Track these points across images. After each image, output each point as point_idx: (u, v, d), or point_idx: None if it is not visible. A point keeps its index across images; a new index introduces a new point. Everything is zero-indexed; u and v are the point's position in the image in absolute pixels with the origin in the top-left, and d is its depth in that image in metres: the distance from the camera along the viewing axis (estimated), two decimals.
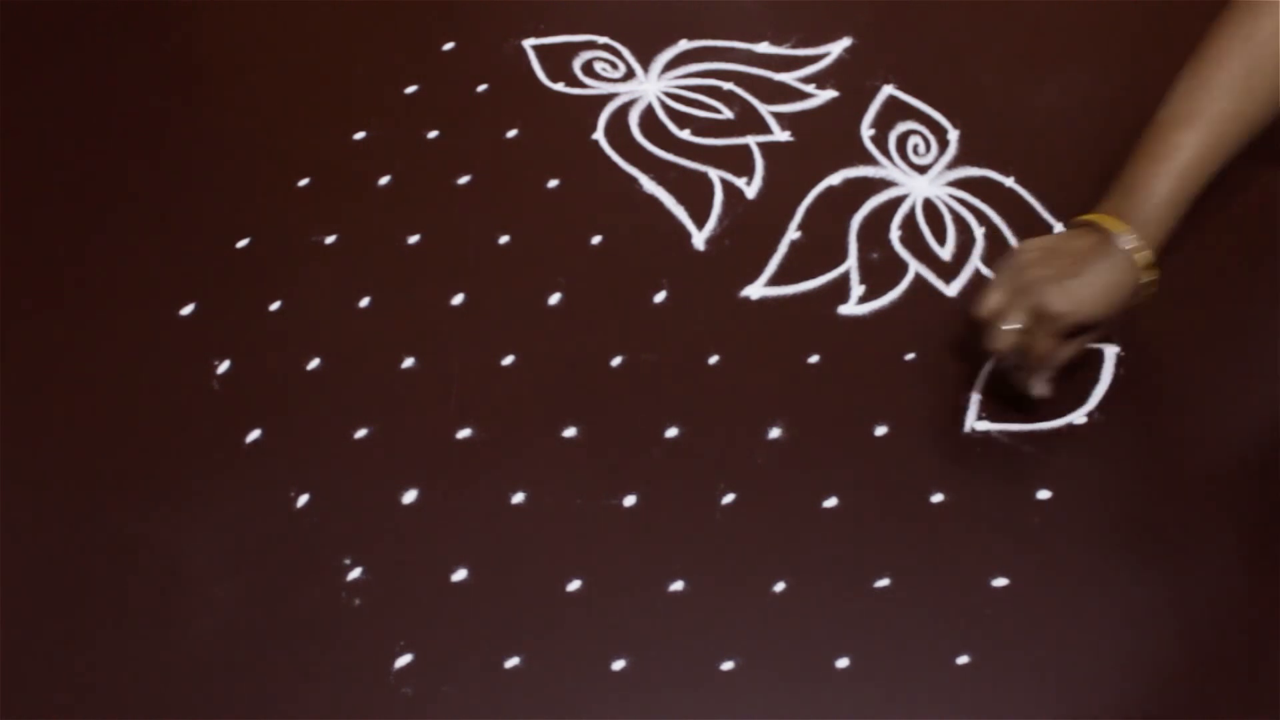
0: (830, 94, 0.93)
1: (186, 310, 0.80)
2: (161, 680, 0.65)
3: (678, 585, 0.69)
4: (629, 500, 0.72)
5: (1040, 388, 0.72)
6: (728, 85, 0.94)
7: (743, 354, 0.78)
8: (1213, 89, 0.71)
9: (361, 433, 0.75)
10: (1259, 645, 0.67)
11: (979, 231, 0.85)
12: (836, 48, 0.96)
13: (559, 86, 0.94)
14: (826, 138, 0.90)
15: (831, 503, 0.72)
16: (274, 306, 0.81)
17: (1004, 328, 0.70)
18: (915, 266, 0.83)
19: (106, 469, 0.73)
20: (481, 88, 0.94)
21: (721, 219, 0.86)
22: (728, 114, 0.92)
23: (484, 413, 0.75)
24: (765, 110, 0.92)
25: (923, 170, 0.88)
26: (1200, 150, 0.70)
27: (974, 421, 0.75)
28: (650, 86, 0.94)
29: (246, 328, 0.79)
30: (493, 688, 0.65)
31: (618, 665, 0.66)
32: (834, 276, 0.83)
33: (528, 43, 0.96)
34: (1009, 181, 0.87)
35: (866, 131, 0.91)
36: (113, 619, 0.67)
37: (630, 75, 0.94)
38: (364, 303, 0.81)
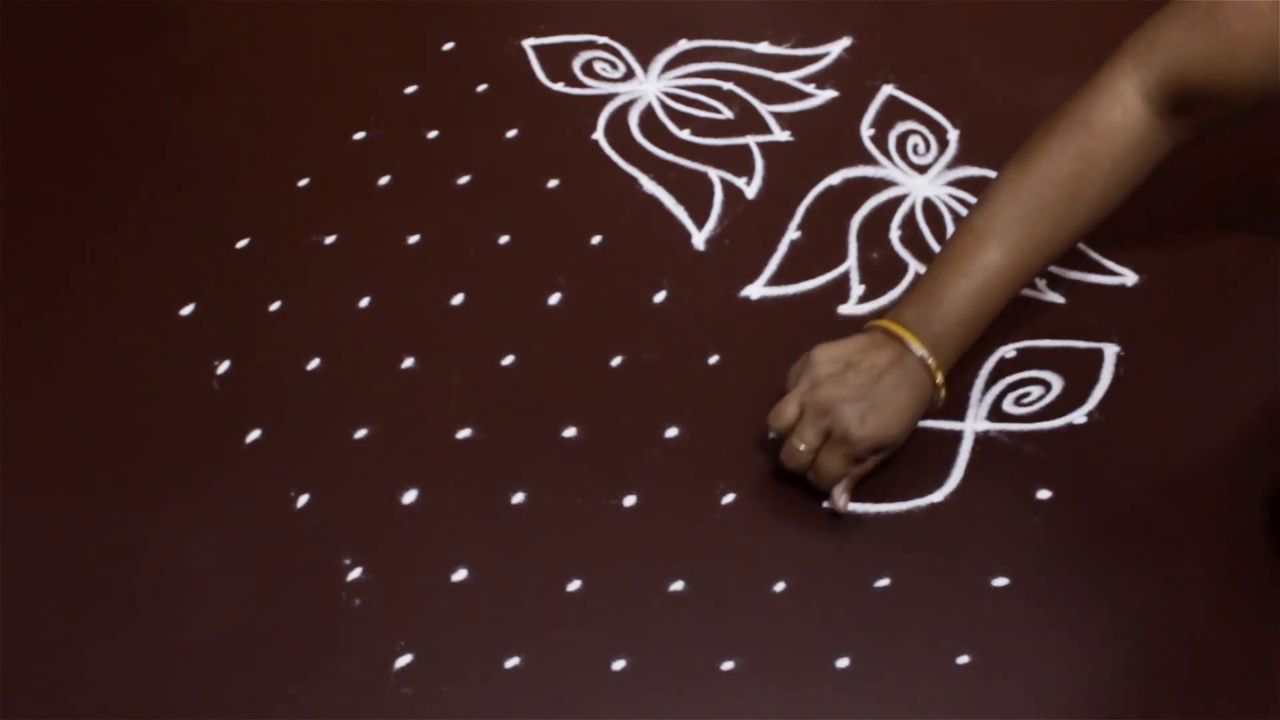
0: (830, 94, 0.93)
1: (186, 310, 0.80)
2: (161, 680, 0.65)
3: (678, 585, 0.69)
4: (629, 500, 0.72)
5: (838, 499, 0.69)
6: (728, 85, 0.94)
7: (743, 354, 0.78)
8: (1033, 205, 0.69)
9: (361, 433, 0.75)
10: (1258, 645, 0.67)
11: None
12: (836, 48, 0.96)
13: (559, 86, 0.94)
14: (826, 138, 0.90)
15: (831, 503, 0.72)
16: (274, 306, 0.81)
17: (798, 447, 0.68)
18: (915, 266, 0.83)
19: (107, 469, 0.73)
20: (481, 88, 0.94)
21: (721, 219, 0.86)
22: (728, 114, 0.92)
23: (484, 413, 0.75)
24: (765, 110, 0.92)
25: (922, 170, 0.88)
26: (1007, 271, 0.69)
27: (974, 421, 0.75)
28: (650, 86, 0.94)
29: (246, 328, 0.79)
30: (493, 688, 0.65)
31: (618, 665, 0.66)
32: (834, 276, 0.83)
33: (528, 43, 0.97)
34: None
35: (866, 131, 0.91)
36: (113, 619, 0.67)
37: (630, 75, 0.94)
38: (364, 303, 0.81)
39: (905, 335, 0.68)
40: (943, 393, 0.70)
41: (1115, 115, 0.69)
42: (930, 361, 0.68)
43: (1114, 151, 0.69)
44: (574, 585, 0.69)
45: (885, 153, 0.89)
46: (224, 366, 0.78)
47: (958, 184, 0.87)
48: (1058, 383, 0.77)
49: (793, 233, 0.85)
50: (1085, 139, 0.69)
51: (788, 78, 0.94)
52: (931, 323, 0.69)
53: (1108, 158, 0.69)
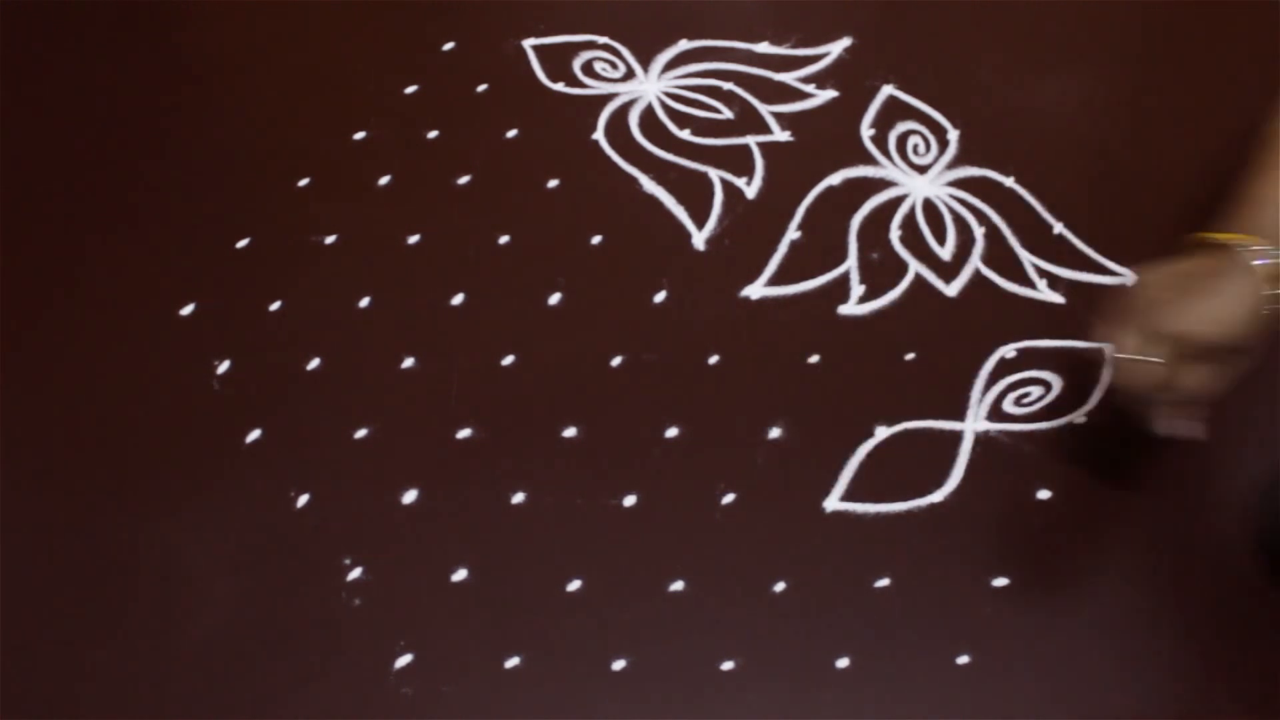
0: (830, 94, 0.93)
1: (186, 310, 0.80)
2: (161, 680, 0.65)
3: (678, 585, 0.69)
4: (629, 500, 0.72)
5: (1191, 428, 0.66)
6: (728, 85, 0.94)
7: (743, 354, 0.78)
8: None
9: (361, 433, 0.75)
10: (1259, 645, 0.67)
11: (979, 231, 0.85)
12: (836, 48, 0.96)
13: (559, 86, 0.94)
14: (826, 138, 0.90)
15: (831, 503, 0.72)
16: (274, 306, 0.81)
17: (1151, 362, 0.63)
18: (915, 266, 0.83)
19: (107, 468, 0.73)
20: (481, 88, 0.94)
21: (721, 219, 0.86)
22: (728, 114, 0.92)
23: (484, 413, 0.75)
24: (765, 110, 0.92)
25: (923, 170, 0.88)
26: None
27: (974, 421, 0.75)
28: (650, 86, 0.94)
29: (246, 328, 0.79)
30: (493, 688, 0.65)
31: (618, 665, 0.66)
32: (834, 276, 0.83)
33: (528, 43, 0.96)
34: (1009, 181, 0.87)
35: (866, 131, 0.91)
36: (113, 619, 0.67)
37: (630, 75, 0.94)
38: (364, 303, 0.81)
39: (1226, 238, 0.64)
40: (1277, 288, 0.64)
41: None
42: (1260, 251, 0.63)
43: None
44: (574, 585, 0.69)
45: (885, 153, 0.89)
46: (224, 366, 0.78)
47: (958, 184, 0.87)
48: (1058, 383, 0.77)
49: (793, 233, 0.85)
50: None
51: (788, 78, 0.94)
52: (1254, 221, 0.64)
53: None
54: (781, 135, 0.91)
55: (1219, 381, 0.65)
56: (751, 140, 0.90)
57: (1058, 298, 0.81)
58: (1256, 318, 0.63)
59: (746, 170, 0.88)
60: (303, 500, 0.72)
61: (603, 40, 0.97)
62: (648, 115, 0.92)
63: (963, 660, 0.66)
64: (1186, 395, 0.64)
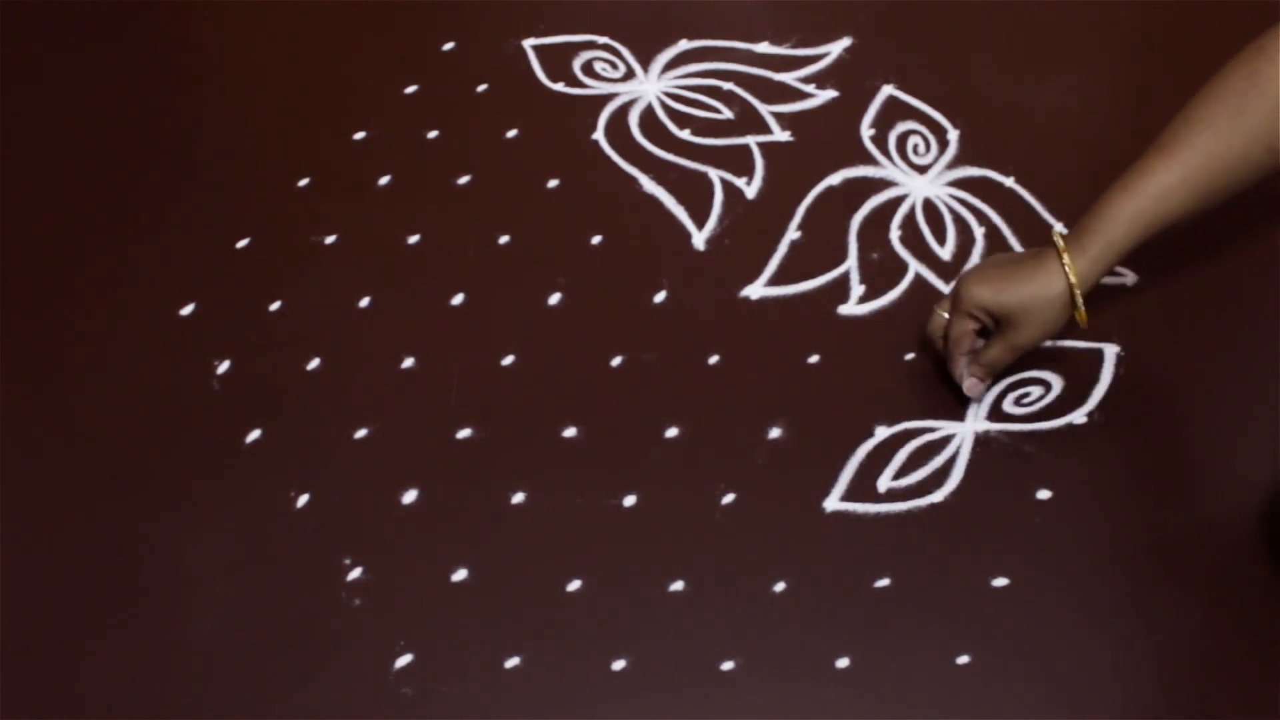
0: (830, 94, 0.93)
1: (186, 310, 0.80)
2: (161, 680, 0.65)
3: (678, 585, 0.69)
4: (629, 500, 0.72)
5: (969, 386, 0.74)
6: (728, 85, 0.94)
7: (743, 354, 0.78)
8: (1199, 121, 0.68)
9: (361, 433, 0.75)
10: (1259, 646, 0.67)
11: (979, 231, 0.85)
12: (836, 48, 0.96)
13: (559, 86, 0.94)
14: (826, 138, 0.90)
15: (831, 503, 0.72)
16: (274, 306, 0.81)
17: (937, 312, 0.75)
18: (915, 266, 0.83)
19: (106, 469, 0.73)
20: (481, 88, 0.94)
21: (721, 219, 0.86)
22: (728, 114, 0.92)
23: (484, 413, 0.76)
24: (765, 110, 0.92)
25: (923, 170, 0.88)
26: (1170, 179, 0.67)
27: (974, 421, 0.75)
28: (650, 86, 0.94)
29: (246, 328, 0.79)
30: (493, 688, 0.65)
31: (618, 665, 0.66)
32: (834, 276, 0.83)
33: (528, 43, 0.97)
34: (1009, 181, 0.87)
35: (866, 131, 0.91)
36: (113, 619, 0.67)
37: (630, 75, 0.94)
38: (364, 303, 0.81)
39: (1056, 238, 0.70)
40: (1081, 291, 0.69)
41: None
42: (1059, 243, 0.69)
43: None
44: (574, 585, 0.69)
45: (885, 153, 0.89)
46: (224, 366, 0.78)
47: (958, 184, 0.87)
48: (1058, 383, 0.77)
49: (793, 233, 0.85)
50: (1256, 59, 0.67)
51: (788, 78, 0.94)
52: (1087, 227, 0.69)
53: (1273, 81, 0.66)
54: (781, 135, 0.91)
55: (992, 354, 0.73)
56: (751, 140, 0.90)
57: None
58: (1037, 303, 0.70)
59: (746, 170, 0.88)
60: (303, 500, 0.72)
61: (603, 40, 0.97)
62: (648, 115, 0.92)
63: (963, 660, 0.66)
64: (953, 344, 0.73)
